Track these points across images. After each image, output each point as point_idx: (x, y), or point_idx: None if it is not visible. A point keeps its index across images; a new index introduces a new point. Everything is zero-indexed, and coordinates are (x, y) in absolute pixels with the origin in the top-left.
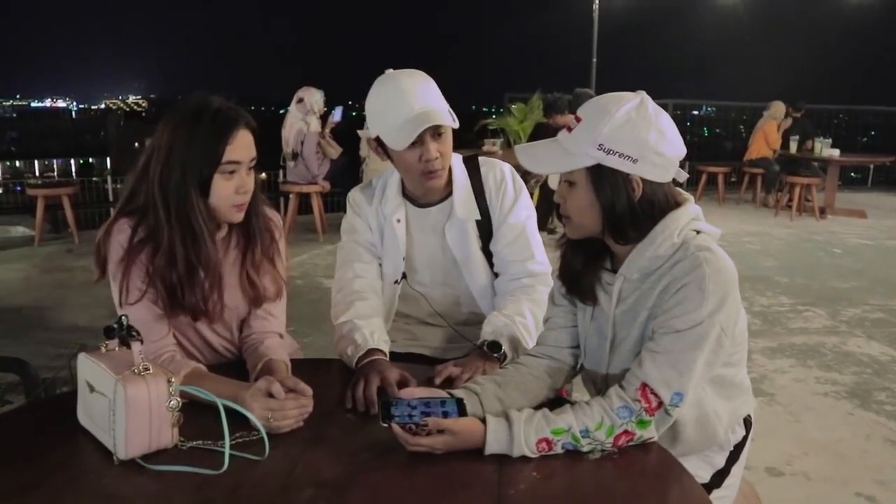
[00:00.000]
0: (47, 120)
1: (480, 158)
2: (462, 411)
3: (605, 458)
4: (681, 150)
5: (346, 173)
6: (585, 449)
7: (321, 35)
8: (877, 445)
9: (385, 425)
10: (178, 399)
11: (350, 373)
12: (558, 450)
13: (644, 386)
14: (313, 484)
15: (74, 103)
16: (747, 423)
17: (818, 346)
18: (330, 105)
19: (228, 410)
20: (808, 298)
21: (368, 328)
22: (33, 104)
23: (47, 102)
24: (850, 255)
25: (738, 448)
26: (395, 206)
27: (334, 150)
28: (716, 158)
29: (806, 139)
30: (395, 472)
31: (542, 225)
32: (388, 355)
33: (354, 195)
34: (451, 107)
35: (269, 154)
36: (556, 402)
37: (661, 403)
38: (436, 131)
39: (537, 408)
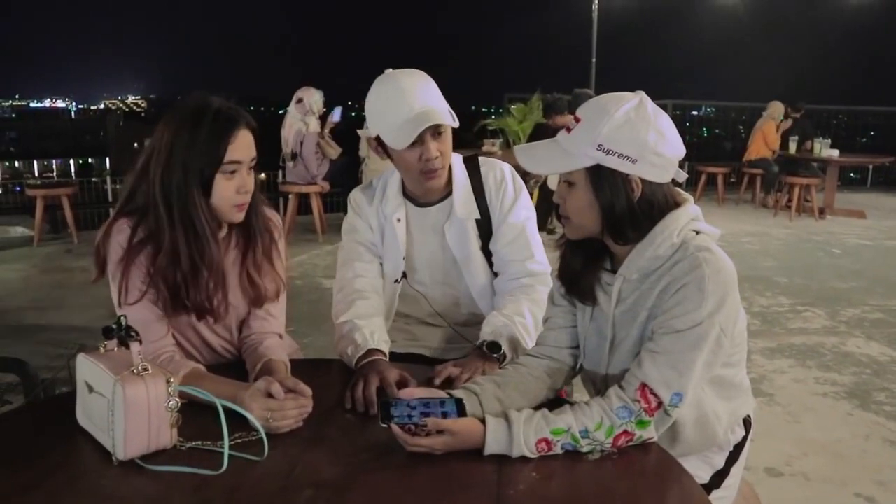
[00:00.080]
0: (46, 120)
1: (480, 158)
2: (461, 412)
3: (604, 458)
4: (680, 150)
5: (346, 173)
6: (585, 449)
7: (320, 35)
8: (876, 446)
9: (384, 426)
10: (177, 399)
11: (349, 373)
12: (558, 450)
13: (643, 386)
14: (312, 484)
15: (74, 103)
16: (747, 423)
17: (817, 347)
18: (329, 105)
19: (227, 411)
20: (807, 299)
21: (369, 328)
22: (32, 104)
23: (46, 103)
24: (850, 256)
25: (738, 448)
26: (395, 205)
27: (334, 151)
28: (715, 159)
29: (805, 139)
30: (395, 472)
31: (542, 225)
32: (387, 355)
33: (355, 195)
34: (451, 107)
35: (269, 154)
36: (555, 402)
37: (660, 404)
38: (436, 131)
39: (537, 408)
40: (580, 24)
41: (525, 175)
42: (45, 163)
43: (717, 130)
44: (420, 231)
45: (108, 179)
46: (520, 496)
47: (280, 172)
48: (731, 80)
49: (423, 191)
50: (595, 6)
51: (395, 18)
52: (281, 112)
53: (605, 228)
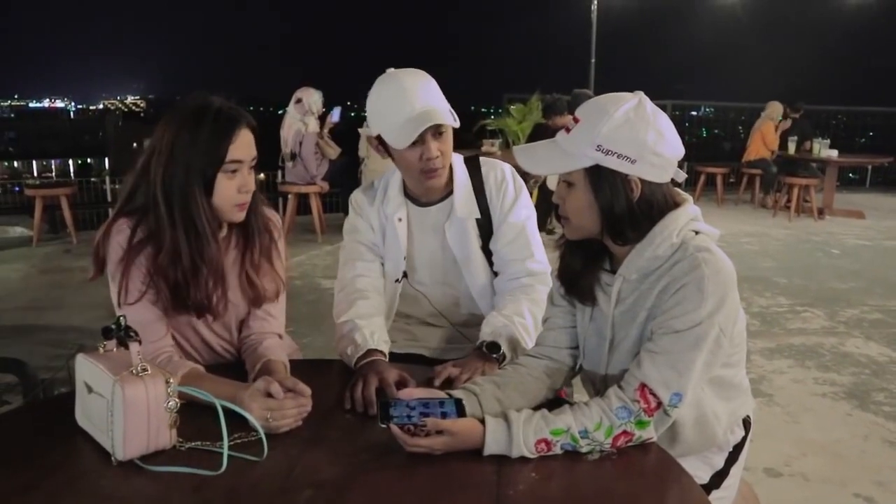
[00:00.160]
0: (45, 120)
1: (481, 159)
2: (461, 412)
3: (603, 458)
4: (679, 150)
5: (345, 174)
6: (584, 449)
7: (320, 35)
8: (875, 446)
9: (384, 426)
10: (177, 400)
11: (349, 373)
12: (557, 450)
13: (643, 386)
14: (312, 485)
15: (73, 104)
16: (746, 423)
17: (816, 347)
18: (328, 105)
19: (227, 411)
20: (806, 299)
21: (369, 328)
22: (31, 104)
23: (45, 103)
24: (849, 256)
25: (737, 449)
26: (396, 205)
27: (333, 151)
28: (714, 159)
29: (804, 140)
30: (394, 472)
31: (541, 226)
32: (387, 356)
33: (356, 196)
34: (450, 107)
35: (268, 154)
36: (554, 402)
37: (659, 404)
38: (437, 130)
39: (536, 408)
40: (579, 24)
41: (524, 175)
42: (44, 163)
43: (716, 131)
44: (421, 231)
45: (107, 179)
46: (519, 496)
47: (279, 172)
48: (731, 81)
49: (424, 190)
50: (594, 6)
51: (394, 18)
52: (280, 112)
53: (604, 229)
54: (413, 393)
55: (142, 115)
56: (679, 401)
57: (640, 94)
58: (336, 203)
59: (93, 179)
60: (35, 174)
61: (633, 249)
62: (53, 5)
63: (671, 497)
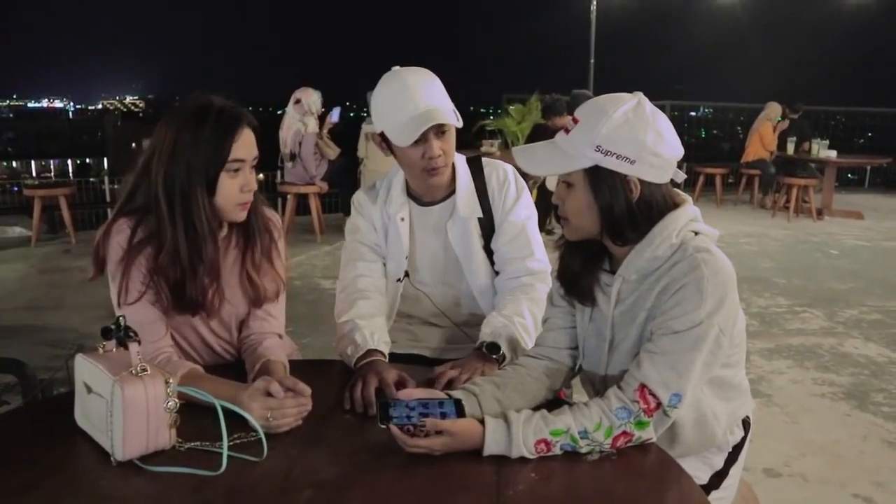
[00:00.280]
0: (44, 120)
1: (484, 159)
2: (460, 412)
3: (603, 459)
4: (678, 150)
5: (344, 174)
6: (584, 450)
7: (320, 36)
8: (874, 447)
9: (383, 426)
10: (176, 400)
11: (348, 374)
12: (557, 451)
13: (642, 387)
14: (311, 485)
15: (71, 104)
16: (746, 424)
17: (815, 348)
18: (328, 106)
19: (226, 412)
20: (805, 299)
21: (369, 328)
22: (30, 104)
23: (44, 103)
24: (848, 257)
25: (737, 449)
26: (399, 204)
27: (332, 151)
28: (713, 160)
29: (803, 140)
30: (394, 473)
31: (540, 226)
32: (387, 356)
33: (358, 196)
34: None
35: (267, 155)
36: (554, 403)
37: (659, 404)
38: (439, 129)
39: (536, 409)
40: (578, 24)
41: (524, 176)
42: (43, 163)
43: (715, 131)
44: (423, 230)
45: (106, 180)
46: (519, 497)
47: (279, 173)
48: (730, 81)
49: (426, 188)
50: (593, 7)
51: (394, 19)
52: (279, 113)
53: (603, 229)
54: (412, 393)
55: (141, 115)
56: (678, 401)
57: (640, 95)
58: (335, 203)
59: (91, 179)
60: (34, 174)
61: (633, 250)
62: (53, 5)
63: (671, 497)
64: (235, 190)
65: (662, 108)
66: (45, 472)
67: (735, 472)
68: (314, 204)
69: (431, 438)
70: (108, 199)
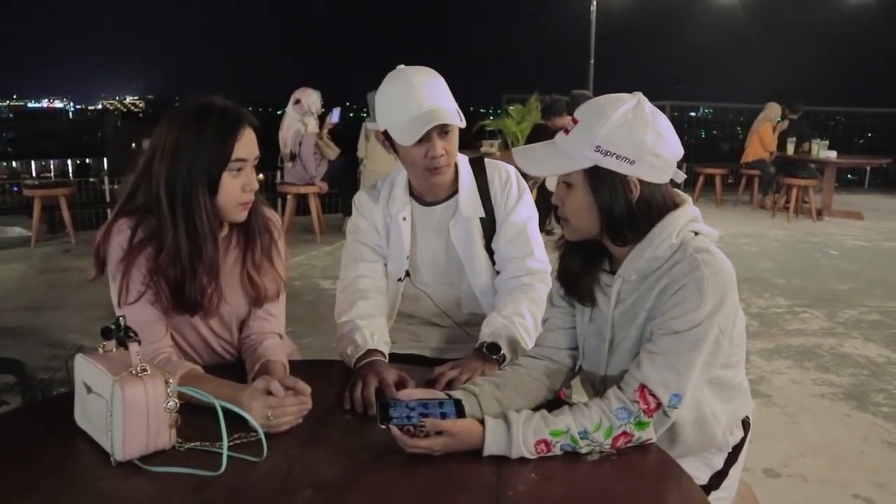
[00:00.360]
0: (44, 120)
1: (486, 160)
2: (460, 412)
3: (603, 459)
4: (678, 151)
5: (344, 174)
6: (584, 450)
7: (319, 36)
8: (874, 447)
9: (383, 427)
10: (176, 400)
11: (348, 374)
12: (557, 451)
13: (642, 387)
14: (311, 485)
15: (71, 104)
16: (745, 424)
17: (815, 348)
18: (328, 106)
19: (226, 412)
20: (805, 300)
21: (369, 329)
22: (30, 105)
23: (44, 103)
24: (847, 257)
25: (737, 449)
26: (402, 203)
27: (332, 151)
28: (713, 160)
29: (803, 141)
30: (394, 473)
31: (540, 226)
32: (387, 356)
33: (360, 196)
34: None
35: (267, 155)
36: (554, 403)
37: (659, 405)
38: (442, 129)
39: (536, 409)
40: (578, 24)
41: (524, 176)
42: (43, 163)
43: (714, 132)
44: (425, 230)
45: (106, 180)
46: (519, 497)
47: (278, 173)
48: (730, 82)
49: (429, 187)
50: (593, 7)
51: (393, 19)
52: (279, 113)
53: (603, 230)
54: (412, 393)
55: (141, 115)
56: (678, 402)
57: (639, 95)
58: (335, 203)
59: (91, 179)
60: (34, 174)
61: (633, 250)
62: (53, 5)
63: (671, 498)
64: (237, 189)
65: (662, 109)
66: (45, 472)
67: (735, 472)
68: (314, 204)
69: (431, 439)
70: (108, 199)
